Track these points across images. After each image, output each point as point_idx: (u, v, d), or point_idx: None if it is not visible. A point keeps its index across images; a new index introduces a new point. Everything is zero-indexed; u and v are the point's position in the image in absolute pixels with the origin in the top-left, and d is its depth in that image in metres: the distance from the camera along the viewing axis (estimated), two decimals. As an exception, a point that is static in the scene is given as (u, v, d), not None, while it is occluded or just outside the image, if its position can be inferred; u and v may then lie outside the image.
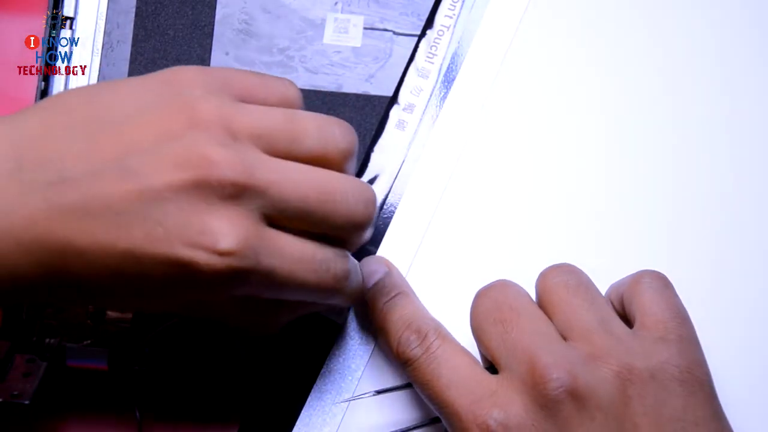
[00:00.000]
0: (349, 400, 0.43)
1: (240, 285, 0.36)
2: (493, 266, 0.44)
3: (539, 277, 0.41)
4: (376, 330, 0.43)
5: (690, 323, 0.39)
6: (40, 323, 0.44)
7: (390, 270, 0.43)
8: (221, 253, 0.34)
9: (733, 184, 0.45)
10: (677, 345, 0.37)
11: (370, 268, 0.43)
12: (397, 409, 0.43)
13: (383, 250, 0.44)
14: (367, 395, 0.42)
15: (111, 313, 0.44)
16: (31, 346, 0.44)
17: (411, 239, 0.44)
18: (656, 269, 0.40)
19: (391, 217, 0.45)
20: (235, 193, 0.35)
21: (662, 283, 0.40)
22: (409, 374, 0.40)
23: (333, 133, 0.38)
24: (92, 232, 0.34)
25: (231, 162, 0.35)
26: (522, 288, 0.40)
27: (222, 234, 0.34)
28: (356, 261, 0.41)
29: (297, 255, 0.37)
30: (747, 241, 0.45)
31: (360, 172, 0.45)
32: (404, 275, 0.44)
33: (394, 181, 0.45)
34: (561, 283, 0.40)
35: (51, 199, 0.35)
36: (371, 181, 0.45)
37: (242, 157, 0.35)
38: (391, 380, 0.43)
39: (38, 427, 0.45)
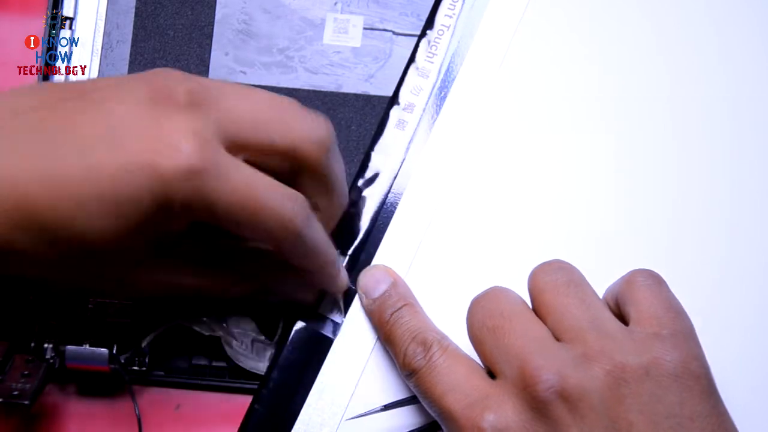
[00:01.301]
0: (356, 417, 0.43)
1: (199, 191, 0.36)
2: (493, 265, 0.44)
3: (530, 275, 0.41)
4: (382, 341, 0.43)
5: (685, 317, 0.39)
6: (39, 324, 0.44)
7: (395, 280, 0.43)
8: (181, 151, 0.36)
9: (734, 182, 0.45)
10: (671, 339, 0.37)
11: (375, 278, 0.43)
12: (397, 413, 0.43)
13: (384, 248, 0.44)
14: (374, 411, 0.42)
15: (111, 313, 0.44)
16: (31, 346, 0.44)
17: (411, 238, 0.44)
18: (654, 269, 0.40)
19: (391, 216, 0.45)
20: (191, 102, 0.37)
21: (655, 280, 0.39)
22: (412, 385, 0.40)
23: (305, 117, 0.40)
24: (63, 162, 0.36)
25: (188, 82, 0.38)
26: (514, 293, 0.40)
27: (179, 135, 0.36)
28: (322, 227, 0.41)
29: (254, 178, 0.38)
30: (747, 241, 0.45)
31: (360, 172, 0.45)
32: (404, 273, 0.44)
33: (394, 181, 0.45)
34: (551, 282, 0.40)
35: (28, 139, 0.36)
36: (371, 181, 0.45)
37: (200, 81, 0.38)
38: (392, 383, 0.43)
39: (38, 427, 0.45)
